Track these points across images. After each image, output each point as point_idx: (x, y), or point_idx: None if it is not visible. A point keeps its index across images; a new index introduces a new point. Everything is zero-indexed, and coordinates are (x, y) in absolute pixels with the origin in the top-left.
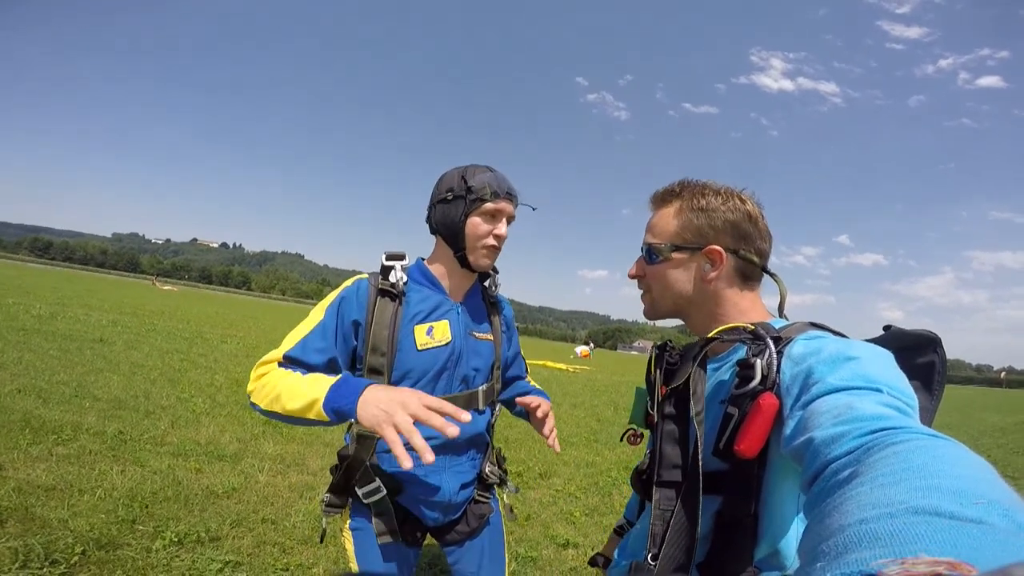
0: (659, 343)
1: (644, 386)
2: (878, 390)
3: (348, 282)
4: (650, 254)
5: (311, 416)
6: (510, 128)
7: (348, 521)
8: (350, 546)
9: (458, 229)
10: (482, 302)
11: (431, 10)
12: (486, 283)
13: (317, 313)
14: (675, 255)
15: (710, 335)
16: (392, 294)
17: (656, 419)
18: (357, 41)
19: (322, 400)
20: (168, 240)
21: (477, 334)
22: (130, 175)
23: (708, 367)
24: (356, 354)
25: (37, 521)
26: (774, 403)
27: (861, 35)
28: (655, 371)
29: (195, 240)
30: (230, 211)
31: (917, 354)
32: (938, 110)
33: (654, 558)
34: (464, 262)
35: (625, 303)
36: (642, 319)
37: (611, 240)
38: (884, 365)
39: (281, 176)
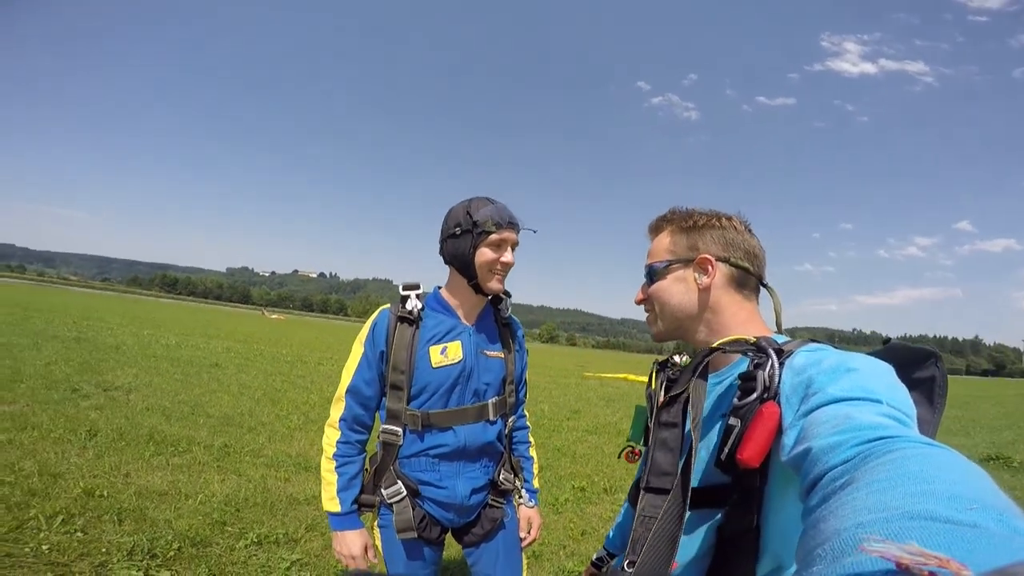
0: (660, 359)
1: (643, 403)
2: (877, 401)
3: (375, 314)
4: (649, 276)
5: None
6: (578, 144)
7: (377, 519)
8: (379, 542)
9: (468, 260)
10: (494, 323)
11: (464, 45)
12: (500, 306)
13: (358, 347)
14: (670, 271)
15: (713, 345)
16: (409, 320)
17: (652, 430)
18: (431, 69)
19: (329, 516)
20: (273, 272)
21: (488, 352)
22: (237, 213)
23: (709, 381)
24: (381, 375)
25: (148, 521)
26: (776, 411)
27: (937, 10)
28: (656, 386)
29: (296, 271)
30: (325, 242)
31: (917, 368)
32: None
33: (631, 564)
34: (478, 289)
35: None
36: None
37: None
38: (883, 377)
39: (370, 207)
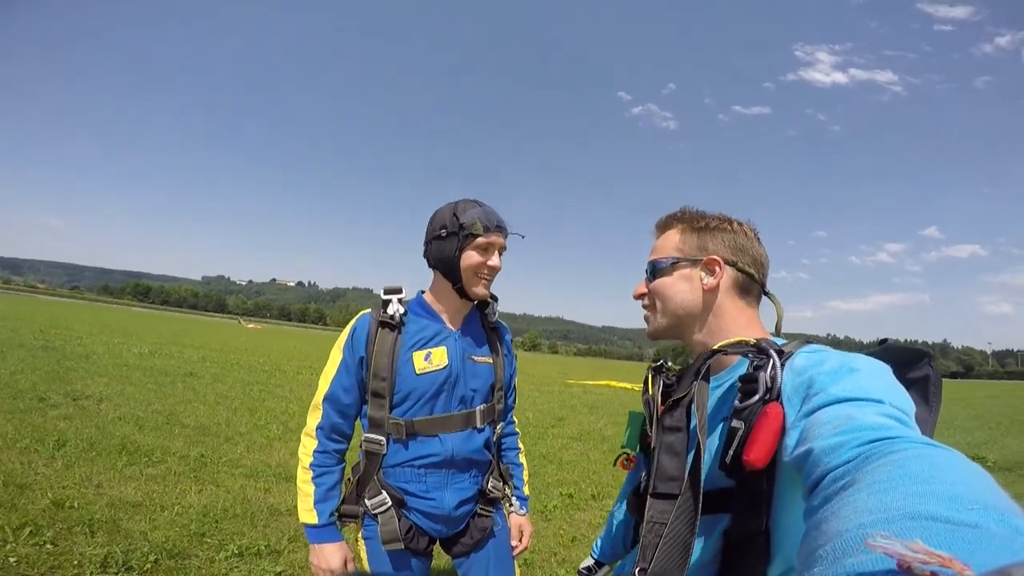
0: (655, 364)
1: (636, 409)
2: (879, 401)
3: (354, 318)
4: (653, 271)
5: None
6: (559, 154)
7: (361, 531)
8: (363, 554)
9: (454, 264)
10: (481, 328)
11: (445, 54)
12: (486, 311)
13: (336, 353)
14: (676, 269)
15: (715, 347)
16: (391, 325)
17: (654, 435)
18: (412, 78)
19: (306, 528)
20: (251, 281)
21: (475, 358)
22: (214, 221)
23: (710, 384)
24: (362, 381)
25: (122, 532)
26: (780, 412)
27: (904, 20)
28: (652, 390)
29: (274, 280)
30: (304, 251)
31: (911, 368)
32: (1009, 88)
33: (643, 572)
34: (463, 293)
35: None
36: None
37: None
38: (884, 377)
39: (348, 215)
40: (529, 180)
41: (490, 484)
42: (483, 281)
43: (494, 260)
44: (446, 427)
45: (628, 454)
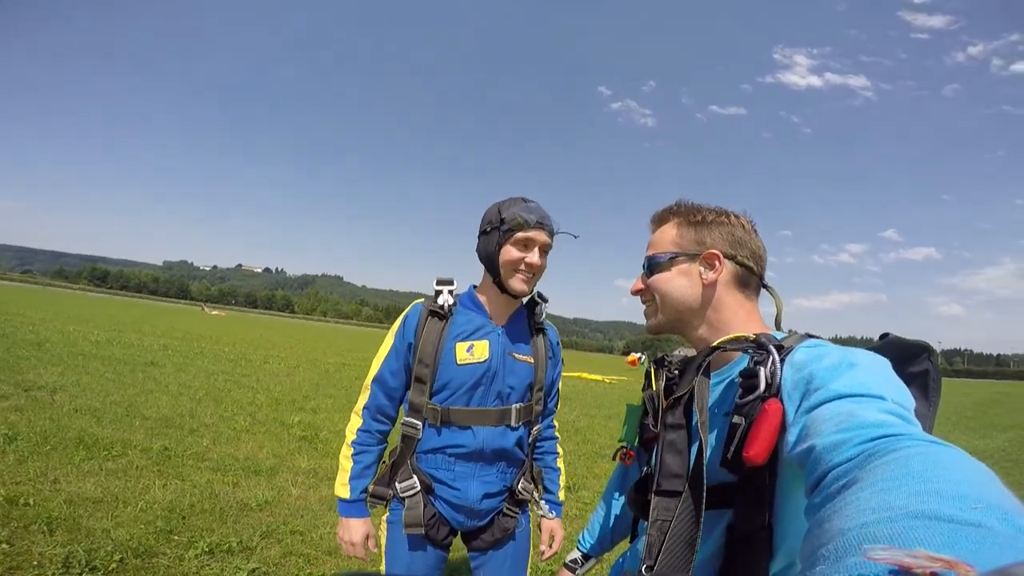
0: (656, 357)
1: (635, 403)
2: (881, 397)
3: (409, 306)
4: (651, 266)
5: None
6: (536, 143)
7: (387, 514)
8: (383, 538)
9: (494, 258)
10: (526, 327)
11: (434, 39)
12: (536, 310)
13: (389, 338)
14: (675, 264)
15: (714, 344)
16: (440, 314)
17: (658, 431)
18: (389, 67)
19: (338, 501)
20: (215, 267)
21: (516, 355)
22: (176, 204)
23: (711, 379)
24: (408, 366)
25: (83, 530)
26: (779, 408)
27: (884, 27)
28: (656, 384)
29: (240, 266)
30: (272, 236)
31: (911, 363)
32: (975, 98)
33: (649, 570)
34: (503, 288)
35: None
36: None
37: (642, 251)
38: (884, 373)
39: (318, 201)
40: (505, 169)
41: (520, 485)
42: (520, 276)
43: (533, 256)
44: (480, 420)
45: (626, 448)
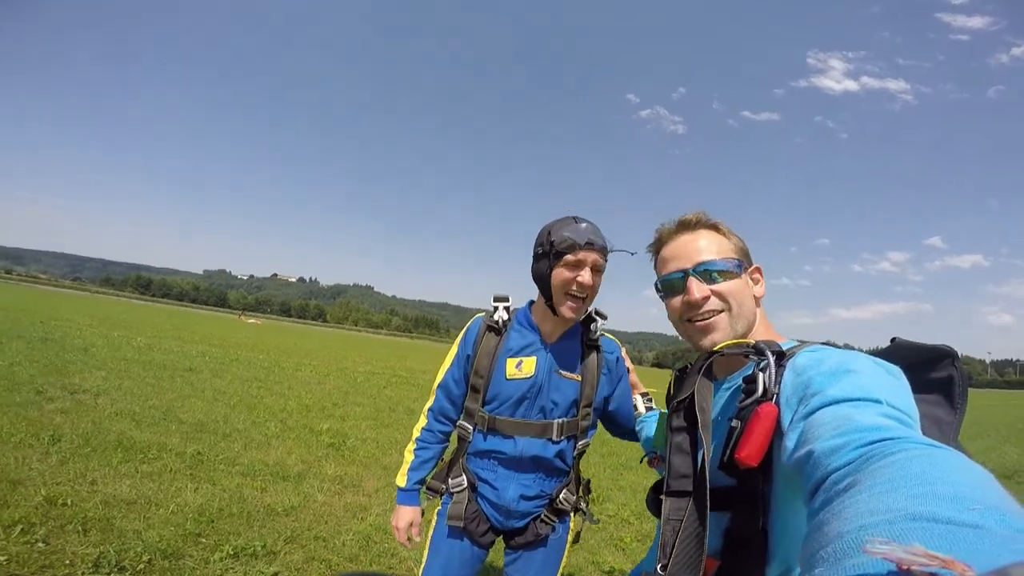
0: (679, 367)
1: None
2: (877, 401)
3: (471, 320)
4: (718, 273)
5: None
6: (565, 152)
7: (438, 508)
8: (431, 529)
9: (546, 281)
10: (578, 344)
11: (451, 57)
12: (591, 327)
13: (454, 347)
14: (742, 273)
15: (714, 349)
16: (496, 329)
17: (667, 434)
18: (418, 77)
19: (397, 489)
20: (252, 276)
21: (563, 373)
22: (216, 215)
23: (720, 386)
24: (467, 375)
25: (115, 531)
26: (773, 411)
27: (921, 29)
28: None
29: (275, 275)
30: (306, 247)
31: (932, 369)
32: (1021, 98)
33: (664, 568)
34: (554, 311)
35: None
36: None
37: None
38: (883, 378)
39: (351, 212)
40: (533, 180)
41: (562, 495)
42: (570, 299)
43: (584, 276)
44: (523, 432)
45: (656, 453)
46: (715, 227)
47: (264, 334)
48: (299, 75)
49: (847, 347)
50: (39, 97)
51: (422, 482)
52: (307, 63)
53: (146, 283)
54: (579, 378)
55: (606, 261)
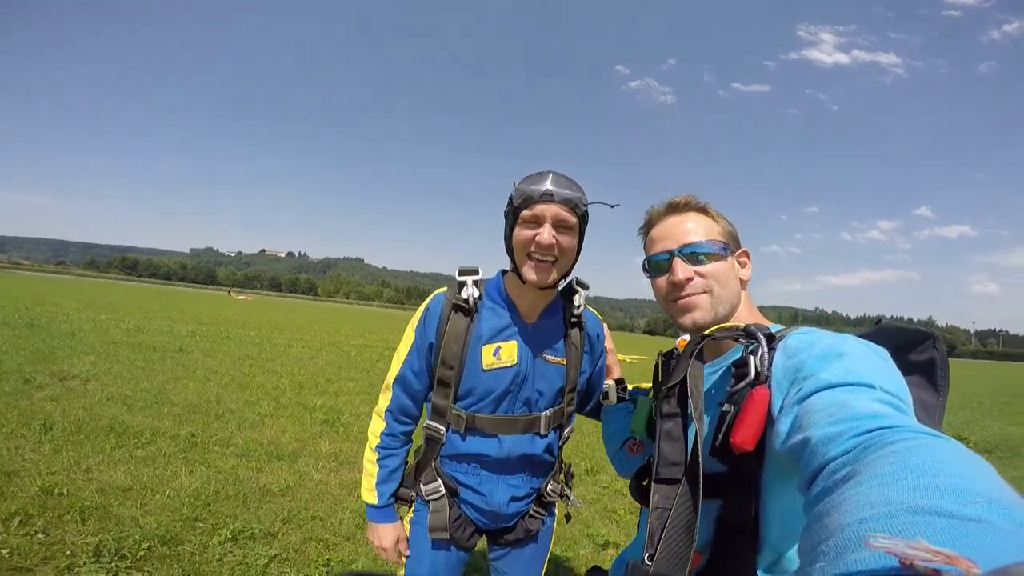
0: (665, 351)
1: (649, 395)
2: (871, 386)
3: (429, 297)
4: (703, 255)
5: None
6: (552, 123)
7: (410, 515)
8: (406, 537)
9: (509, 246)
10: (561, 322)
11: (443, 22)
12: (573, 299)
13: (409, 333)
14: (728, 256)
15: (705, 332)
16: (464, 309)
17: (656, 420)
18: (404, 51)
19: (366, 506)
20: (240, 252)
21: (548, 357)
22: (200, 192)
23: (706, 371)
24: (430, 366)
25: (113, 519)
26: (767, 394)
27: (913, 5)
28: (662, 377)
29: (263, 251)
30: (294, 222)
31: (914, 351)
32: (1012, 75)
33: (651, 557)
34: (521, 278)
35: None
36: None
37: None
38: (874, 361)
39: (338, 185)
40: (523, 154)
41: (548, 488)
42: (531, 264)
43: (543, 234)
44: (507, 429)
45: (635, 438)
46: (703, 210)
47: (255, 310)
48: (279, 45)
49: (835, 314)
50: (8, 82)
51: (395, 494)
52: (286, 33)
53: (132, 264)
54: (564, 361)
55: (578, 217)
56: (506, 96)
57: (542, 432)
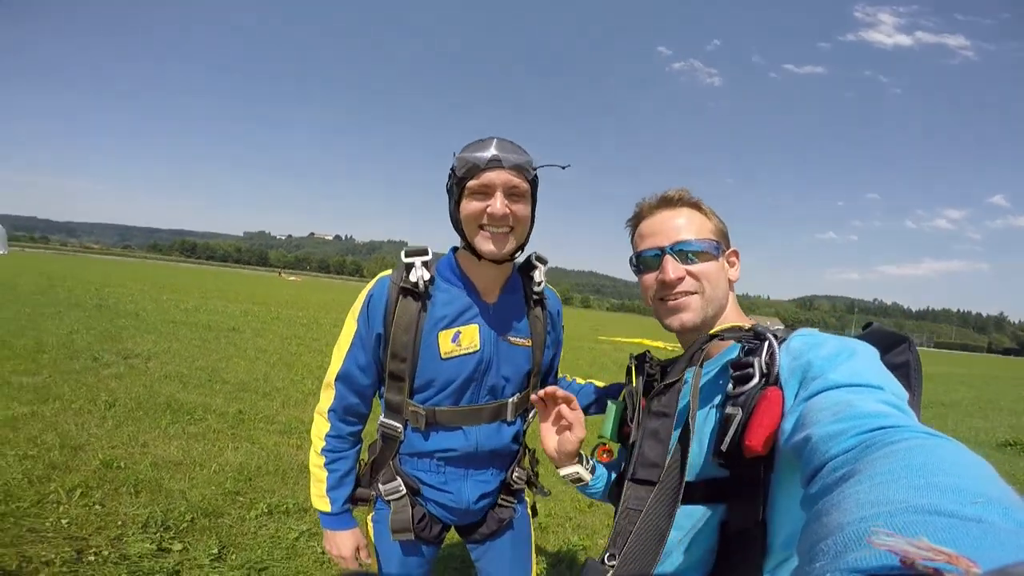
0: (637, 354)
1: (620, 399)
2: (879, 388)
3: (371, 282)
4: (695, 253)
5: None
6: (593, 108)
7: (372, 513)
8: (371, 535)
9: (456, 219)
10: (522, 299)
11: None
12: (532, 274)
13: (351, 323)
14: (719, 255)
15: (712, 331)
16: (414, 293)
17: (638, 420)
18: (446, 32)
19: (319, 514)
20: (290, 236)
21: (512, 339)
22: (254, 179)
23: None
24: (379, 360)
25: (163, 492)
26: (780, 396)
27: None
28: (636, 381)
29: (312, 234)
30: (341, 205)
31: (891, 353)
32: None
33: (612, 558)
34: (476, 253)
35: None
36: (752, 292)
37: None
38: (879, 363)
39: (384, 170)
40: (560, 135)
41: (514, 475)
42: (485, 234)
43: (494, 204)
44: (472, 420)
45: (605, 443)
46: (696, 205)
47: (303, 291)
48: (326, 36)
49: (895, 306)
50: (78, 80)
51: (352, 497)
52: (340, 22)
53: (191, 247)
54: (530, 343)
55: (529, 183)
56: (543, 75)
57: (509, 419)
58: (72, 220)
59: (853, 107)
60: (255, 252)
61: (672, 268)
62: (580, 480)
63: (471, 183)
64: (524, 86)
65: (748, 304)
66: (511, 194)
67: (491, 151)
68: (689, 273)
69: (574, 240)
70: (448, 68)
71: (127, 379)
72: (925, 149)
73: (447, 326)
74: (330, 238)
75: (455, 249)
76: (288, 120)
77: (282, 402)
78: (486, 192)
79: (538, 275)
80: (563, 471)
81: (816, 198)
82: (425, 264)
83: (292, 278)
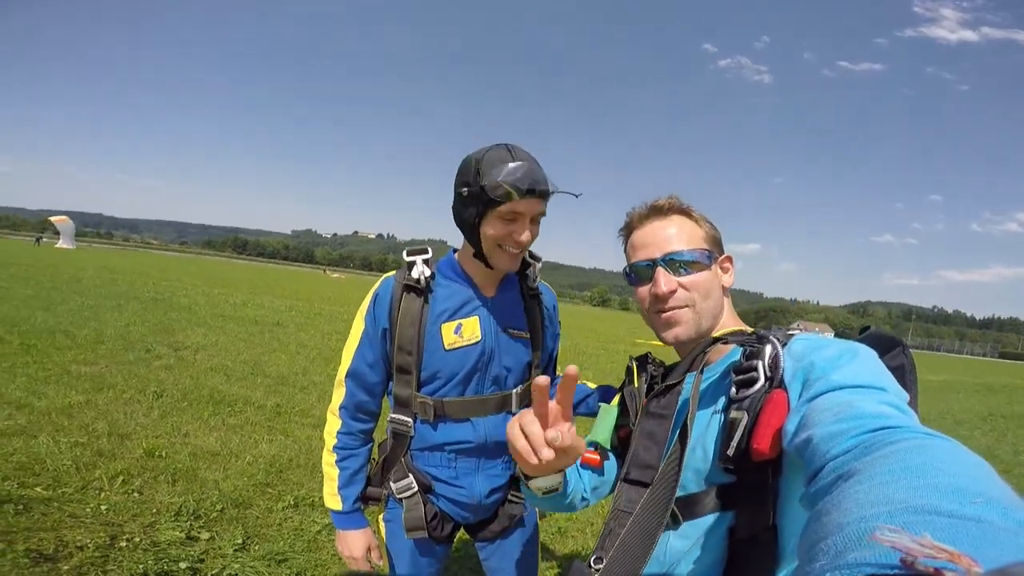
0: (638, 356)
1: (613, 403)
2: (882, 389)
3: (377, 282)
4: (687, 263)
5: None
6: (637, 105)
7: (383, 512)
8: (383, 534)
9: (474, 230)
10: (519, 295)
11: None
12: (527, 271)
13: (359, 323)
14: (712, 265)
15: (715, 335)
16: (417, 289)
17: (636, 420)
18: (490, 28)
19: (331, 513)
20: (335, 234)
21: (512, 331)
22: (302, 178)
23: (691, 377)
24: (386, 355)
25: (199, 481)
26: (786, 396)
27: None
28: (638, 382)
29: (356, 232)
30: (384, 205)
31: (887, 356)
32: None
33: (599, 560)
34: (486, 263)
35: (781, 279)
36: (800, 296)
37: (762, 212)
38: (883, 366)
39: (426, 171)
40: (601, 134)
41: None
42: (508, 255)
43: (523, 234)
44: (479, 411)
45: (595, 447)
46: (687, 213)
47: (346, 289)
48: (373, 37)
49: (956, 313)
50: (142, 84)
51: (361, 497)
52: (383, 25)
53: (242, 244)
54: (528, 335)
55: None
56: (585, 72)
57: (514, 410)
58: (135, 217)
59: (914, 105)
60: (302, 250)
61: (664, 281)
62: (554, 489)
63: (502, 208)
64: (564, 83)
65: (795, 309)
66: (534, 220)
67: (527, 183)
68: (681, 285)
69: (613, 241)
70: (488, 68)
71: (176, 370)
72: (994, 149)
73: (449, 319)
74: (373, 237)
75: (454, 251)
76: (338, 119)
77: (318, 396)
78: (514, 219)
79: (532, 272)
80: (536, 482)
81: (872, 199)
82: (426, 262)
83: (336, 275)
